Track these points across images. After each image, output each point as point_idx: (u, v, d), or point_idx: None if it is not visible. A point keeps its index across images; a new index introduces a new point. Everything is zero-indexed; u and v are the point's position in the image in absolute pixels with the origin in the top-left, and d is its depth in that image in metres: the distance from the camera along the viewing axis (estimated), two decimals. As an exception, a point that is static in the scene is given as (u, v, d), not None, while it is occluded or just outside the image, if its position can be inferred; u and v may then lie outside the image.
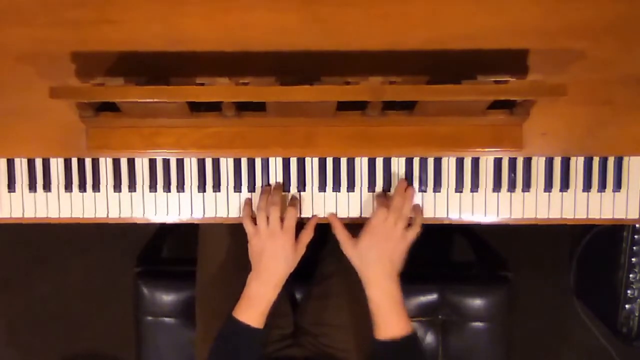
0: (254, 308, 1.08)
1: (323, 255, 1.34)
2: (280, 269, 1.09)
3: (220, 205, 1.13)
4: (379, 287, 1.06)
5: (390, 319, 1.06)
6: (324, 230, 1.16)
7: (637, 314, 1.59)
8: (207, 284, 1.29)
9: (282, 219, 1.08)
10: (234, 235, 1.26)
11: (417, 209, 1.12)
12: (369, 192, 1.13)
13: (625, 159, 1.12)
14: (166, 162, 1.12)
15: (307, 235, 1.11)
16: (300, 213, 1.13)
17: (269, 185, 1.13)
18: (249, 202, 1.13)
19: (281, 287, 1.10)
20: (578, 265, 1.88)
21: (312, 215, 1.13)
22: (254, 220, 1.10)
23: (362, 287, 1.08)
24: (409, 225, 1.08)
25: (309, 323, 1.27)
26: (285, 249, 1.08)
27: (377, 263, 1.06)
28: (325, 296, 1.28)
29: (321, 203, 1.13)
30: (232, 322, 1.09)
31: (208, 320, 1.27)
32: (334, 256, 1.27)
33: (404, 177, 1.13)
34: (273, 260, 1.08)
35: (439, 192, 1.12)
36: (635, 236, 1.57)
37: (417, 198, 1.13)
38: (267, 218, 1.08)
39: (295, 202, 1.12)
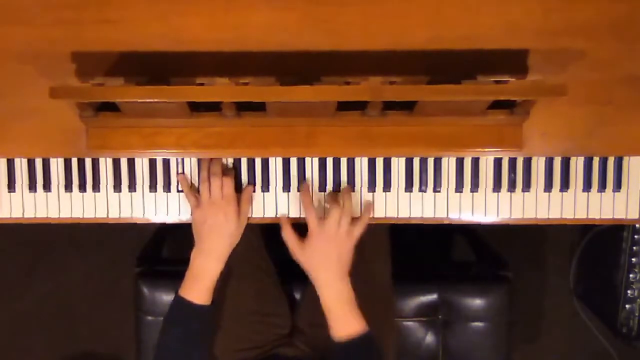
0: (199, 284, 1.07)
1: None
2: (222, 240, 1.08)
3: (220, 205, 1.13)
4: (329, 288, 1.06)
5: (342, 319, 1.05)
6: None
7: (637, 314, 1.60)
8: None
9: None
10: None
11: (368, 206, 1.11)
12: (369, 192, 1.13)
13: (625, 159, 1.12)
14: (166, 162, 1.12)
15: (246, 204, 1.10)
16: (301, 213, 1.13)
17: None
18: (186, 176, 1.12)
19: (225, 261, 1.08)
20: (578, 265, 1.88)
21: (247, 185, 1.12)
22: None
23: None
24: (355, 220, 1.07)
25: (305, 324, 1.27)
26: (228, 217, 1.07)
27: (325, 265, 1.06)
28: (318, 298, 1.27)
29: (321, 203, 1.13)
30: (179, 301, 1.07)
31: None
32: None
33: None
34: (216, 232, 1.07)
35: (439, 192, 1.12)
36: (635, 236, 1.57)
37: (417, 198, 1.13)
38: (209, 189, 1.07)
39: (231, 171, 1.10)
